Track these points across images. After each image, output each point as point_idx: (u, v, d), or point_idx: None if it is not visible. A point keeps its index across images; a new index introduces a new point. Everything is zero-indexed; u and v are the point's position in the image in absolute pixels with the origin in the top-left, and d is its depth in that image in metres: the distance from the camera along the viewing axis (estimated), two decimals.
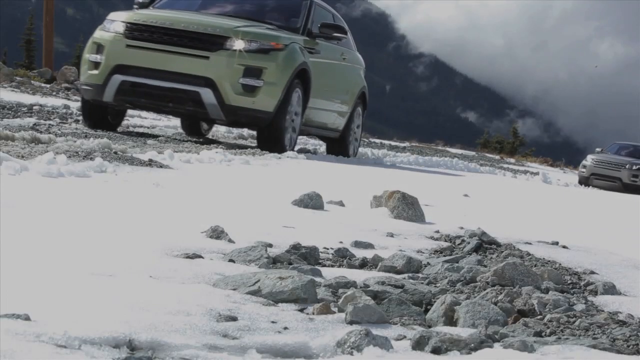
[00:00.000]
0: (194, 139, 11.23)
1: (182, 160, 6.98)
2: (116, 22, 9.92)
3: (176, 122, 14.05)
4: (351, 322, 2.43)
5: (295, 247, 3.48)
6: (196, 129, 12.61)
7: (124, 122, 11.63)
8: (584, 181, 23.61)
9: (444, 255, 3.89)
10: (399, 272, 3.38)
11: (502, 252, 4.13)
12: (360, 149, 14.21)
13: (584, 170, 24.41)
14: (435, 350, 2.19)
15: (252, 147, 10.27)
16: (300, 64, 10.11)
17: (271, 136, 10.00)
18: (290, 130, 10.24)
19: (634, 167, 23.82)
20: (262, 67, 9.65)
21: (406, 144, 25.93)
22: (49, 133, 7.93)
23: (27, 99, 13.31)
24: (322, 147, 13.66)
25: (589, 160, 24.57)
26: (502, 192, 9.95)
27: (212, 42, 9.59)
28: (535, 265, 3.78)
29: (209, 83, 9.48)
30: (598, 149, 26.15)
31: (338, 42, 11.62)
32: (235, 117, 9.71)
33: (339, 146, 12.18)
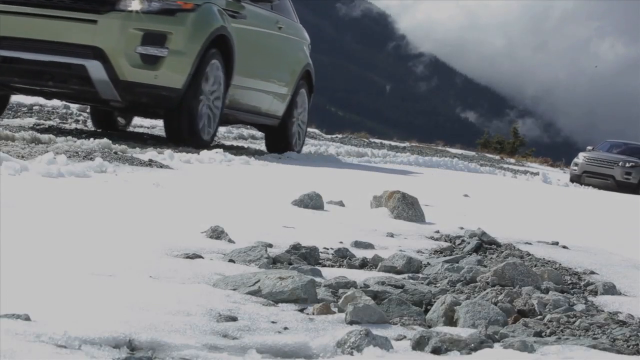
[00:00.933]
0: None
1: (182, 160, 6.98)
2: None
3: None
4: (351, 322, 2.43)
5: (295, 247, 3.48)
6: (109, 123, 10.46)
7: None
8: (576, 179, 23.31)
9: (444, 255, 3.89)
10: (399, 272, 3.38)
11: (502, 252, 4.13)
12: (360, 149, 14.05)
13: (575, 168, 24.12)
14: (435, 351, 2.19)
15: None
16: (218, 29, 8.24)
17: (182, 122, 8.16)
18: (208, 115, 8.41)
19: (627, 165, 23.55)
20: (166, 32, 7.81)
21: (406, 144, 25.94)
22: (49, 133, 7.94)
23: (27, 99, 13.31)
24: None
25: (581, 158, 24.26)
26: (502, 192, 9.95)
27: (100, 1, 7.69)
28: (535, 265, 3.78)
29: (97, 54, 7.63)
30: (590, 147, 25.74)
31: (271, 7, 9.72)
32: (133, 96, 7.85)
33: (279, 137, 10.43)
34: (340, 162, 11.11)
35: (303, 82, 10.60)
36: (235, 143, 11.73)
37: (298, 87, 10.45)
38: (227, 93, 8.72)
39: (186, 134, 8.20)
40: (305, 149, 12.26)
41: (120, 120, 10.67)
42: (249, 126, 12.58)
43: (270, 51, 9.78)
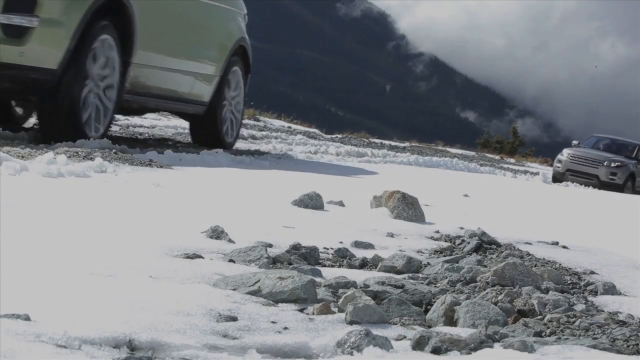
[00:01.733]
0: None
1: (182, 160, 6.98)
2: None
3: (177, 121, 14.04)
4: (351, 322, 2.44)
5: (295, 247, 3.48)
6: (7, 115, 8.13)
7: (124, 122, 11.62)
8: (559, 177, 22.06)
9: (444, 255, 3.89)
10: (399, 272, 3.38)
11: (502, 252, 4.14)
12: (360, 149, 13.96)
13: (559, 165, 22.69)
14: (435, 351, 2.20)
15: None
16: None
17: (59, 114, 6.33)
18: (95, 105, 6.62)
19: (612, 165, 22.28)
20: None
21: (406, 144, 25.94)
22: None
23: None
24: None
25: (565, 154, 22.83)
26: (502, 192, 9.95)
27: None
28: (535, 265, 3.78)
29: None
30: (575, 142, 24.20)
31: None
32: None
33: (207, 127, 8.62)
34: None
35: (237, 59, 8.67)
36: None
37: (230, 65, 8.50)
38: (127, 75, 6.95)
39: (65, 129, 6.33)
40: (305, 149, 12.17)
41: (18, 110, 8.29)
42: (248, 126, 12.31)
43: (189, 22, 7.87)
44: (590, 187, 20.14)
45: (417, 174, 10.75)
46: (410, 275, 3.32)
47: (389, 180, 8.46)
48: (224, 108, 8.74)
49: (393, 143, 23.85)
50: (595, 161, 22.36)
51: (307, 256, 3.43)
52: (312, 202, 5.02)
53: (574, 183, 20.47)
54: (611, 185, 21.35)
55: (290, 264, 3.26)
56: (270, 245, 3.55)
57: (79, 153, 6.17)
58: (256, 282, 2.64)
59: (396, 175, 9.74)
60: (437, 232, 4.67)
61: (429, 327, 2.56)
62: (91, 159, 5.82)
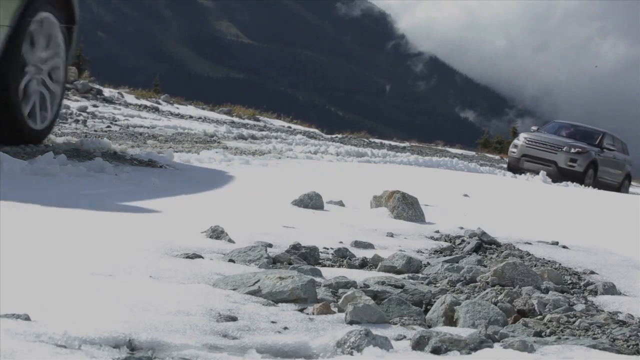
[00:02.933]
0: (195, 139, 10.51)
1: (182, 160, 6.98)
2: None
3: (177, 121, 14.04)
4: (351, 322, 2.44)
5: (295, 247, 3.48)
6: None
7: (124, 122, 11.62)
8: (515, 164, 20.17)
9: (444, 255, 3.89)
10: (399, 272, 3.38)
11: (502, 252, 4.14)
12: (360, 149, 13.90)
13: (514, 151, 20.48)
14: (435, 350, 2.20)
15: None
16: None
17: None
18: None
19: (572, 150, 19.93)
20: None
21: (406, 144, 25.94)
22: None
23: None
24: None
25: (522, 139, 20.64)
26: (502, 192, 9.95)
27: None
28: (535, 265, 3.78)
29: None
30: (534, 127, 21.98)
31: None
32: None
33: None
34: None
35: (45, 2, 5.79)
36: (236, 143, 11.74)
37: (30, 10, 5.55)
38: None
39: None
40: (305, 149, 12.14)
41: None
42: (248, 126, 12.21)
43: None
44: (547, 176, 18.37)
45: (417, 174, 10.75)
46: (410, 275, 3.32)
47: (389, 180, 8.46)
48: (26, 76, 5.69)
49: (393, 143, 23.85)
50: (554, 146, 20.05)
51: (307, 256, 3.43)
52: (312, 202, 5.02)
53: (529, 173, 18.82)
54: (570, 173, 19.51)
55: (290, 264, 3.26)
56: (270, 245, 3.55)
57: (79, 153, 6.17)
58: (256, 282, 2.64)
59: (396, 175, 9.74)
60: (437, 232, 4.67)
61: (429, 327, 2.56)
62: (91, 159, 5.82)
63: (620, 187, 21.56)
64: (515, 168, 19.97)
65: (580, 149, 19.93)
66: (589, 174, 19.91)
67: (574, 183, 17.57)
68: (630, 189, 22.57)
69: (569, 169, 19.63)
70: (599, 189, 18.24)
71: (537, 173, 18.42)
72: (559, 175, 19.09)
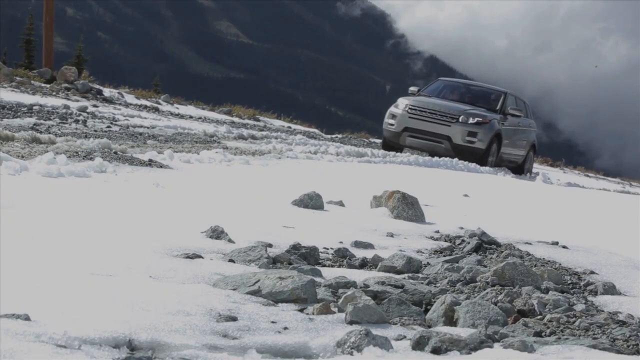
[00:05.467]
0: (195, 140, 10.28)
1: (182, 160, 6.98)
2: None
3: (177, 121, 14.04)
4: (351, 322, 2.43)
5: (295, 247, 3.48)
6: None
7: (124, 122, 11.63)
8: (393, 140, 15.35)
9: (444, 255, 3.89)
10: (399, 272, 3.38)
11: (502, 252, 4.14)
12: (360, 149, 13.86)
13: (392, 123, 15.28)
14: (435, 350, 2.19)
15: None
16: None
17: None
18: None
19: (471, 121, 14.99)
20: None
21: None
22: (49, 133, 7.94)
23: (27, 99, 13.30)
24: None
25: (401, 106, 15.30)
26: (502, 192, 9.94)
27: None
28: (535, 265, 3.78)
29: None
30: (413, 88, 16.31)
31: None
32: None
33: None
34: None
35: None
36: (236, 143, 11.73)
37: None
38: None
39: None
40: (305, 149, 12.14)
41: None
42: (248, 126, 12.10)
43: None
44: (436, 156, 14.55)
45: (417, 174, 10.74)
46: (410, 275, 3.32)
47: (389, 180, 8.46)
48: None
49: None
50: (447, 115, 15.01)
51: (307, 256, 3.43)
52: (312, 202, 5.02)
53: (411, 152, 15.28)
54: (469, 151, 14.94)
55: (290, 264, 3.26)
56: (270, 245, 3.55)
57: (79, 153, 6.18)
58: (256, 282, 2.64)
59: (396, 175, 9.74)
60: (437, 232, 4.67)
61: (429, 327, 2.56)
62: (91, 159, 5.82)
63: (525, 162, 17.02)
64: (393, 146, 15.40)
65: (480, 119, 15.02)
66: (492, 151, 15.31)
67: (474, 165, 14.18)
68: (630, 189, 19.23)
69: (467, 146, 14.94)
70: (500, 166, 15.55)
71: (425, 152, 15.07)
72: (454, 154, 14.79)
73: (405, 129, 15.08)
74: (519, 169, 16.79)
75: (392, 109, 15.52)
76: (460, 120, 14.93)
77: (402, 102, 15.36)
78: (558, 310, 2.76)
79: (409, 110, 15.12)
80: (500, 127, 15.41)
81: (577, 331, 2.53)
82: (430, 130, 14.97)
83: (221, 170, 6.88)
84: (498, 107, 15.92)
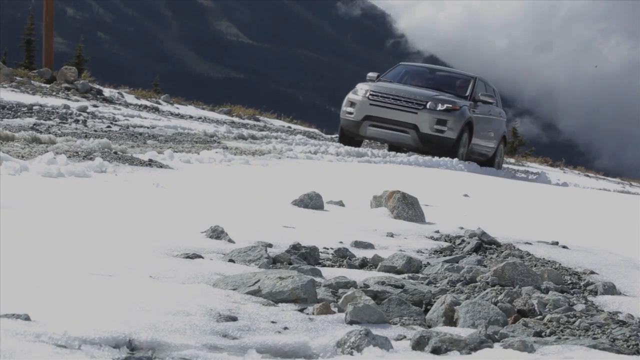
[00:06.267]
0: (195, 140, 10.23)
1: (182, 160, 6.98)
2: None
3: (176, 121, 14.04)
4: (351, 322, 2.44)
5: (295, 247, 3.48)
6: None
7: (124, 122, 11.63)
8: (352, 130, 13.74)
9: (444, 255, 3.89)
10: (399, 272, 3.38)
11: (502, 252, 4.14)
12: (360, 149, 13.81)
13: (351, 111, 13.70)
14: (435, 350, 2.19)
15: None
16: None
17: None
18: None
19: (440, 107, 13.47)
20: None
21: None
22: (49, 133, 7.94)
23: (27, 99, 13.31)
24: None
25: (361, 92, 13.73)
26: (502, 192, 9.94)
27: None
28: (535, 265, 3.78)
29: None
30: (372, 74, 14.57)
31: None
32: None
33: None
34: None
35: None
36: (235, 143, 11.72)
37: None
38: None
39: None
40: (305, 149, 12.15)
41: None
42: (248, 126, 12.02)
43: None
44: (404, 149, 13.72)
45: (417, 174, 10.74)
46: (410, 275, 3.32)
47: (389, 180, 8.46)
48: None
49: None
50: (413, 102, 13.46)
51: (307, 256, 3.43)
52: (312, 202, 5.02)
53: (372, 144, 14.19)
54: (438, 141, 13.52)
55: (290, 264, 3.27)
56: (270, 245, 3.55)
57: (79, 153, 6.18)
58: (256, 282, 2.64)
59: (396, 175, 9.74)
60: (437, 232, 4.67)
61: (429, 327, 2.56)
62: (91, 159, 5.82)
63: (495, 155, 15.66)
64: (352, 137, 13.93)
65: (450, 105, 13.55)
66: (463, 141, 13.86)
67: (442, 158, 13.06)
68: (630, 189, 19.58)
69: (436, 136, 13.43)
70: (470, 159, 14.21)
71: (391, 145, 13.89)
72: (421, 144, 13.50)
73: (366, 117, 13.55)
74: (489, 162, 15.36)
75: (350, 96, 13.92)
76: (428, 106, 13.46)
77: (362, 88, 13.83)
78: (558, 310, 2.76)
79: (370, 97, 13.61)
80: (471, 114, 14.00)
81: (577, 331, 2.53)
82: (395, 119, 13.45)
83: (221, 170, 6.88)
84: (467, 93, 14.44)
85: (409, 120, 13.43)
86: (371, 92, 13.64)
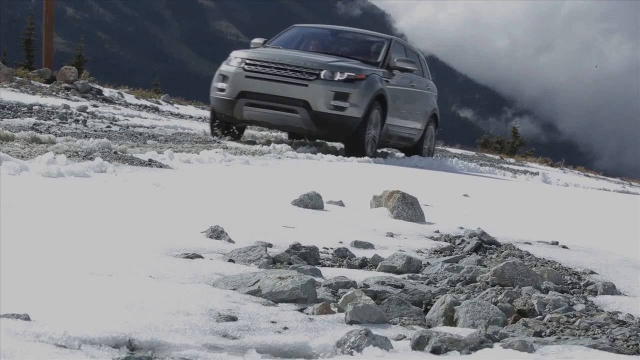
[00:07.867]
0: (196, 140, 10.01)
1: (182, 160, 6.98)
2: None
3: (176, 121, 14.05)
4: (351, 322, 2.44)
5: (295, 247, 3.48)
6: None
7: (124, 122, 11.63)
8: (226, 112, 10.57)
9: (444, 255, 3.89)
10: (398, 272, 3.38)
11: (502, 252, 4.14)
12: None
13: (223, 87, 10.55)
14: (435, 350, 2.19)
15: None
16: None
17: None
18: None
19: (338, 77, 10.35)
20: None
21: None
22: (49, 133, 7.94)
23: (27, 99, 13.31)
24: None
25: (236, 61, 10.58)
26: (502, 192, 9.94)
27: None
28: (535, 265, 3.78)
29: None
30: (257, 40, 11.70)
31: None
32: None
33: None
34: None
35: None
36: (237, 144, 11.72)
37: None
38: None
39: None
40: (305, 149, 12.15)
41: None
42: (248, 126, 11.99)
43: None
44: (292, 134, 11.37)
45: (417, 174, 10.74)
46: (410, 275, 3.32)
47: (389, 180, 8.46)
48: None
49: None
50: (302, 71, 10.34)
51: (307, 256, 3.43)
52: (312, 202, 5.02)
53: (246, 124, 10.99)
54: (336, 122, 10.38)
55: (290, 264, 3.27)
56: (270, 245, 3.55)
57: (79, 153, 6.18)
58: (256, 282, 2.64)
59: (396, 175, 9.73)
60: (437, 232, 4.67)
61: (429, 327, 2.56)
62: (91, 159, 5.82)
63: (423, 139, 12.69)
64: (226, 122, 10.88)
65: (353, 73, 10.47)
66: (372, 121, 10.77)
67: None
68: (630, 189, 18.29)
69: (334, 114, 10.29)
70: (388, 146, 11.84)
71: (273, 129, 11.42)
72: (315, 126, 10.37)
73: (242, 94, 10.34)
74: (415, 149, 12.56)
75: (222, 67, 10.68)
76: (322, 76, 10.23)
77: (237, 56, 10.58)
78: (558, 310, 2.76)
79: (246, 67, 10.37)
80: (383, 86, 10.85)
81: (577, 331, 2.53)
82: (278, 94, 10.21)
83: (221, 170, 6.88)
84: (380, 59, 11.30)
85: (297, 96, 10.24)
86: (247, 61, 10.42)
